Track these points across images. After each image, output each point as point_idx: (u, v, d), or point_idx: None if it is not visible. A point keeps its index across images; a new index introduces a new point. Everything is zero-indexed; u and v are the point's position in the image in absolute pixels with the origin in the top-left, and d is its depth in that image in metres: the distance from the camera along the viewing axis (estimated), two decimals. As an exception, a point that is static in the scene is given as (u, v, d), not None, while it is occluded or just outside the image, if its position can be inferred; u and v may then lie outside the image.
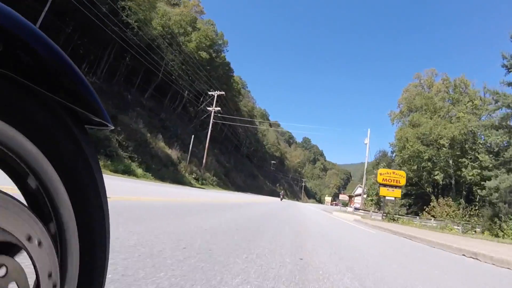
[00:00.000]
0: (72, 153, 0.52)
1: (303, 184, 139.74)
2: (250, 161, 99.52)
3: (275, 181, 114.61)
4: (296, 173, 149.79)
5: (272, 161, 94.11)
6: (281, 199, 42.15)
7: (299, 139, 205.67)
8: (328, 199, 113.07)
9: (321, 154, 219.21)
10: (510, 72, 23.29)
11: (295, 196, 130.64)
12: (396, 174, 21.95)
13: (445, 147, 31.48)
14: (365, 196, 36.07)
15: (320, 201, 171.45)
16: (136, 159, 20.69)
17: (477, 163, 29.41)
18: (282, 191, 59.00)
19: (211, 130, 32.02)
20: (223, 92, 32.65)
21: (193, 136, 32.26)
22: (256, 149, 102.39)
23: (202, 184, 30.12)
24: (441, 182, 32.95)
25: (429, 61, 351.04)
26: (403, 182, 21.54)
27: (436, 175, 32.50)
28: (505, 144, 25.02)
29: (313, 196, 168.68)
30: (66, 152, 0.51)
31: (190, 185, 26.86)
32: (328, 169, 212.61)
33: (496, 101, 24.48)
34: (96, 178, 0.57)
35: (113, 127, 0.62)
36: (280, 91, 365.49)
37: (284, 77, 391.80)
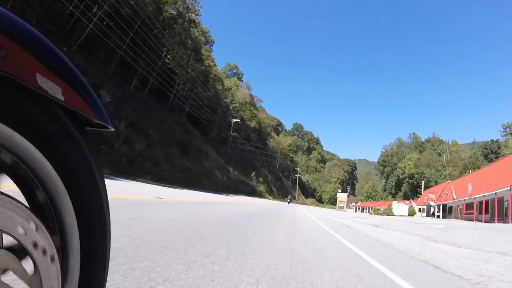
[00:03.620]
0: (72, 154, 0.51)
1: (298, 176, 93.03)
2: (199, 129, 52.70)
3: (250, 168, 67.38)
4: (287, 159, 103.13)
5: (234, 119, 47.46)
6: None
7: (288, 126, 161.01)
8: (342, 197, 66.89)
9: (317, 142, 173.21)
10: None
11: (286, 194, 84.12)
12: None
13: None
14: None
15: (321, 201, 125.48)
16: None
17: None
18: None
19: None
20: None
21: None
22: (212, 108, 55.49)
23: None
24: None
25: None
26: None
27: None
28: None
29: (312, 194, 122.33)
30: (66, 153, 0.50)
31: None
32: (327, 160, 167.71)
33: None
34: (97, 179, 0.56)
35: (113, 129, 0.61)
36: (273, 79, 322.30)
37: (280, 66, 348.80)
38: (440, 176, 67.30)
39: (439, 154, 75.37)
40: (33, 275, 0.43)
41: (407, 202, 64.87)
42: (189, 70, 48.66)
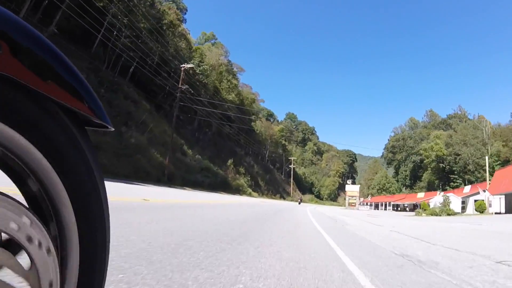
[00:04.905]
0: (72, 154, 0.51)
1: (292, 167, 75.32)
2: (151, 97, 35.22)
3: (227, 154, 49.42)
4: (279, 148, 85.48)
5: (186, 64, 29.46)
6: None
7: (281, 117, 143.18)
8: (353, 190, 49.41)
9: (312, 132, 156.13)
10: None
11: (277, 190, 66.84)
12: None
13: None
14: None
15: (319, 196, 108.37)
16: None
17: None
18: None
19: None
20: None
21: None
22: (174, 71, 37.67)
23: None
24: None
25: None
26: None
27: None
28: None
29: (310, 189, 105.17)
30: (66, 153, 0.50)
31: None
32: (324, 151, 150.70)
33: None
34: (97, 179, 0.55)
35: (113, 129, 0.60)
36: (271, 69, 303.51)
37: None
38: (483, 156, 50.65)
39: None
40: (30, 269, 0.42)
41: (439, 193, 47.87)
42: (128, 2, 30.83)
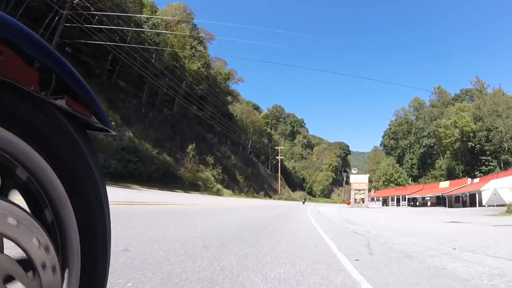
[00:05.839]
0: (73, 158, 0.51)
1: (279, 158, 62.69)
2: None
3: (191, 140, 36.06)
4: (263, 137, 72.78)
5: None
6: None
7: (266, 108, 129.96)
8: (359, 181, 37.07)
9: (302, 125, 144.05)
10: None
11: (261, 186, 54.24)
12: None
13: None
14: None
15: (312, 193, 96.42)
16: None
17: None
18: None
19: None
20: None
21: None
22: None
23: None
24: None
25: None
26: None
27: None
28: None
29: (301, 186, 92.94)
30: (67, 157, 0.50)
31: None
32: (315, 144, 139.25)
33: None
34: (98, 182, 0.55)
35: (115, 132, 0.60)
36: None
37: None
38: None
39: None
40: (31, 272, 0.42)
41: (470, 180, 36.40)
42: None
